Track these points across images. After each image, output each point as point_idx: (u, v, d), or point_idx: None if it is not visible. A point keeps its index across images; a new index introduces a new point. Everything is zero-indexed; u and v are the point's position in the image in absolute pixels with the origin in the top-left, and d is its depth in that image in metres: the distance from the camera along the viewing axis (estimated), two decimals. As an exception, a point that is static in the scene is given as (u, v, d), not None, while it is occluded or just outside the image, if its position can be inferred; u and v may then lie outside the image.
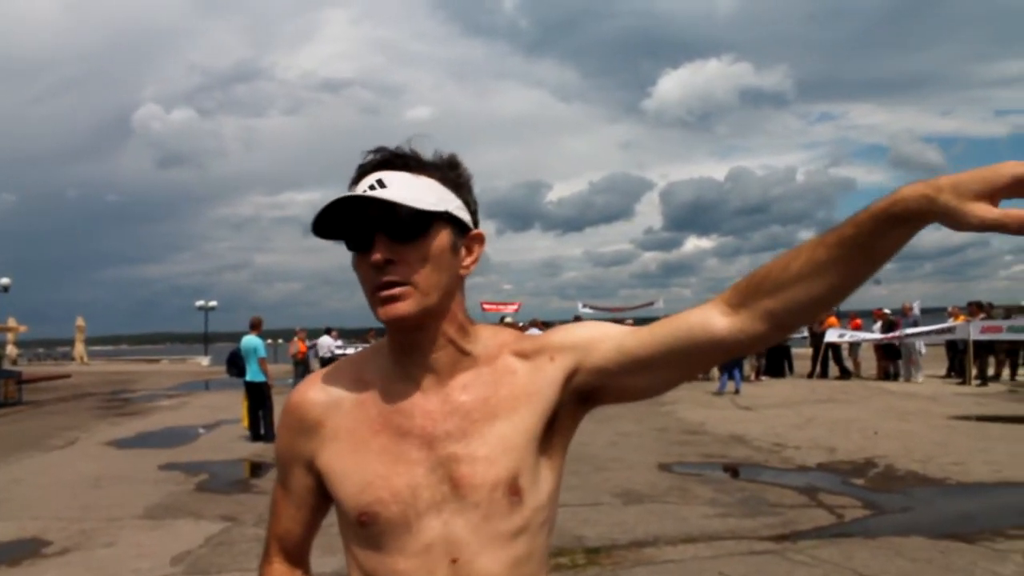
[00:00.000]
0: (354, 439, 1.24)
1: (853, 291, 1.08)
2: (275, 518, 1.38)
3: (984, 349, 17.62)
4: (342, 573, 1.35)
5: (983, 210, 0.90)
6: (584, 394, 1.26)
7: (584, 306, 28.91)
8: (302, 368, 21.27)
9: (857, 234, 1.01)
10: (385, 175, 1.17)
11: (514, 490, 1.18)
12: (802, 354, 21.70)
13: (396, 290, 1.16)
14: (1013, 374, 17.96)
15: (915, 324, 18.73)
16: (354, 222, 1.17)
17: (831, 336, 20.02)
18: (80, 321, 39.94)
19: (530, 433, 1.21)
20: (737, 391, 16.53)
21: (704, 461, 9.60)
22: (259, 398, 12.22)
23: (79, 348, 39.82)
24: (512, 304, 30.52)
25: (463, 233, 1.24)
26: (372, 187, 1.16)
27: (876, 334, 19.92)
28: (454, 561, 1.17)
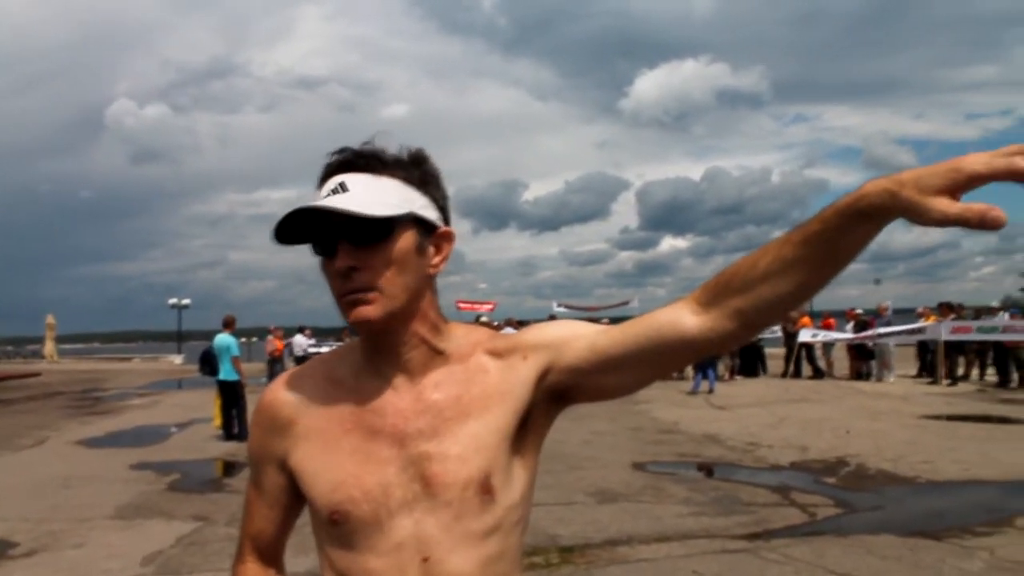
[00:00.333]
0: (326, 438, 1.24)
1: (821, 288, 1.08)
2: (248, 517, 1.37)
3: (954, 349, 17.88)
4: (315, 572, 1.35)
5: (945, 205, 0.90)
6: (557, 393, 1.26)
7: (559, 305, 28.82)
8: (279, 367, 21.13)
9: (823, 230, 1.01)
10: (348, 178, 1.17)
11: (486, 489, 1.18)
12: (776, 354, 21.88)
13: (362, 295, 1.16)
14: (982, 374, 18.22)
15: (888, 324, 18.97)
16: (317, 228, 1.17)
17: (804, 336, 20.20)
18: (50, 319, 39.42)
19: (502, 432, 1.21)
20: (711, 390, 16.64)
21: (678, 460, 9.65)
22: (232, 397, 12.14)
23: (49, 346, 39.31)
24: (487, 303, 30.47)
25: (430, 232, 1.23)
26: (335, 190, 1.16)
27: (849, 334, 20.14)
28: (425, 560, 1.17)
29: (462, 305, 28.68)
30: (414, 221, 1.20)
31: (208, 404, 13.72)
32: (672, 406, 14.75)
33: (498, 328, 15.23)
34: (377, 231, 1.15)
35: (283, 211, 1.15)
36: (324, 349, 19.46)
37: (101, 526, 6.95)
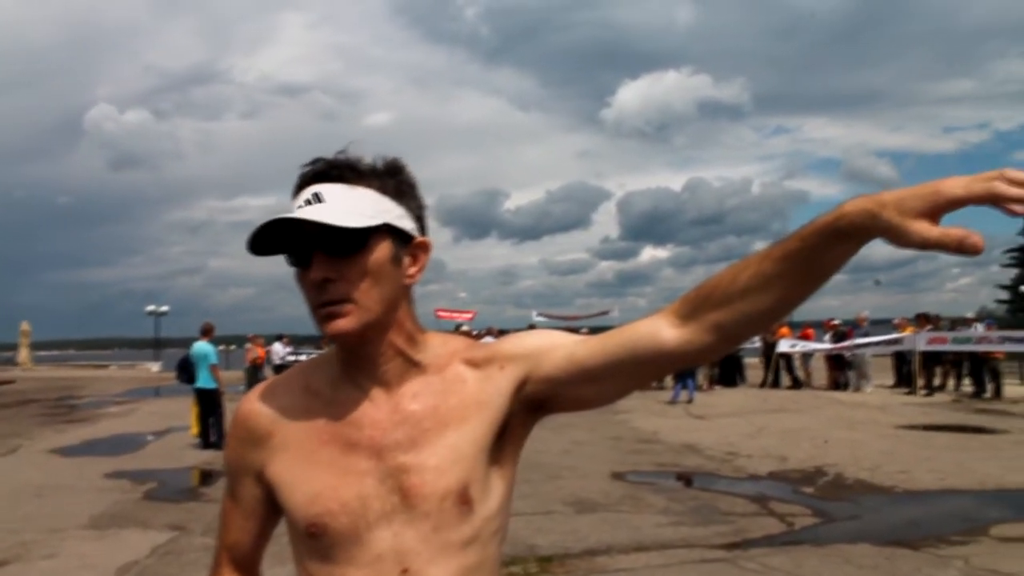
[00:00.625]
0: (303, 450, 1.23)
1: (799, 304, 1.09)
2: (224, 528, 1.36)
3: (931, 360, 18.06)
4: (291, 584, 1.34)
5: (924, 228, 0.92)
6: (535, 403, 1.26)
7: (538, 314, 28.86)
8: (260, 374, 20.93)
9: (802, 248, 1.02)
10: (322, 188, 1.16)
11: (464, 500, 1.18)
12: (754, 364, 21.99)
13: (337, 307, 1.16)
14: (958, 384, 18.40)
15: (867, 335, 19.14)
16: (292, 238, 1.16)
17: (783, 346, 20.34)
18: (25, 326, 39.09)
19: (480, 443, 1.21)
20: (690, 400, 16.69)
21: (657, 470, 9.67)
22: (210, 405, 12.03)
23: (23, 353, 38.89)
24: (467, 312, 30.46)
25: (406, 242, 1.22)
26: (309, 201, 1.15)
27: (827, 344, 20.29)
28: (405, 571, 1.16)
29: (441, 314, 28.63)
30: (389, 232, 1.19)
31: (185, 412, 13.58)
32: (651, 416, 14.78)
33: (478, 337, 15.22)
34: (352, 242, 1.14)
35: (262, 219, 1.14)
36: (302, 357, 19.36)
37: (75, 536, 6.85)
